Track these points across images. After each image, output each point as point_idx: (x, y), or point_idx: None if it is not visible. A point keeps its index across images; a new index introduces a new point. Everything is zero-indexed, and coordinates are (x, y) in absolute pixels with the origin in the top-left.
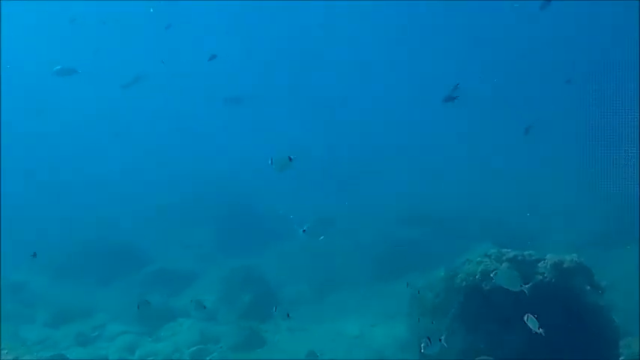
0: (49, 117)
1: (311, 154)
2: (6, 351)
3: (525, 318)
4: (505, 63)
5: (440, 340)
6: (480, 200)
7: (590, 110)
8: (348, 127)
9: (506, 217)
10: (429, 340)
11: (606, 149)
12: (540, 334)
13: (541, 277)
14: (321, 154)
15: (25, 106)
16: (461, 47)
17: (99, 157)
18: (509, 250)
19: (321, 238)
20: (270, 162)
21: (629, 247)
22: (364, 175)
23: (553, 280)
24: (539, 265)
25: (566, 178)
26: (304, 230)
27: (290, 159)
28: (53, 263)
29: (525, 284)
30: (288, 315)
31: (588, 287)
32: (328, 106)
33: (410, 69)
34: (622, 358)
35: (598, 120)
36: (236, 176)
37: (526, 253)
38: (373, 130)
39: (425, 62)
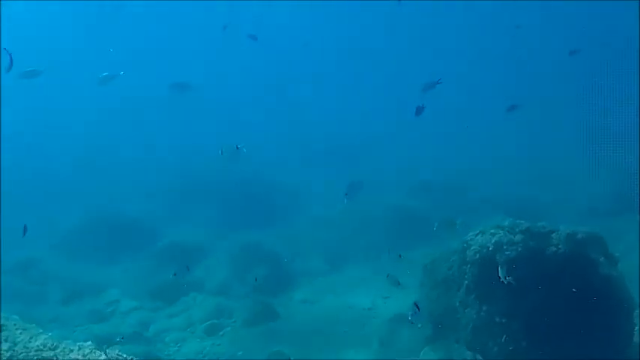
0: (59, 97)
1: (321, 131)
2: (20, 331)
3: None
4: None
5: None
6: (487, 172)
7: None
8: (356, 105)
9: (513, 188)
10: (417, 307)
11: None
12: (510, 282)
13: (555, 248)
14: (330, 131)
15: (38, 82)
16: (458, 39)
17: (106, 135)
18: (523, 221)
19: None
20: (220, 152)
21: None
22: (372, 150)
23: (567, 251)
24: (552, 236)
25: (570, 149)
26: (346, 194)
27: (237, 148)
28: (62, 240)
29: None
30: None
31: (602, 258)
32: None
33: (409, 52)
34: (637, 327)
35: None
36: (248, 150)
37: (539, 224)
38: (382, 107)
39: (424, 45)
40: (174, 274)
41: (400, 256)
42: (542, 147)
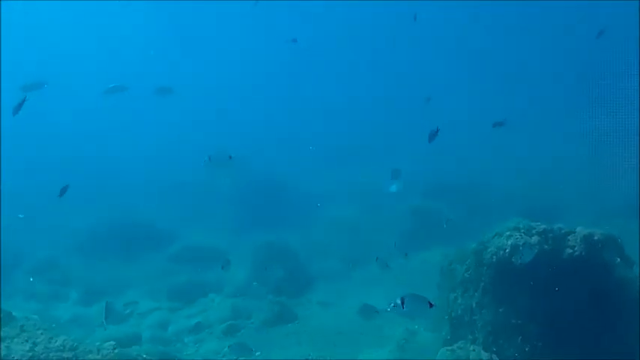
0: (71, 99)
1: (335, 131)
2: (40, 331)
3: None
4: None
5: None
6: (503, 173)
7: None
8: (371, 106)
9: (529, 188)
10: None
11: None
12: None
13: (571, 250)
14: (343, 131)
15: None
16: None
17: (122, 135)
18: (539, 223)
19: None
20: (207, 159)
21: None
22: (387, 150)
23: (583, 253)
24: (569, 238)
25: (586, 149)
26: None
27: (230, 157)
28: (81, 242)
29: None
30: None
31: (618, 260)
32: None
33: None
34: None
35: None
36: (261, 152)
37: (556, 226)
38: (395, 106)
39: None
40: (222, 267)
41: (406, 254)
42: (558, 147)
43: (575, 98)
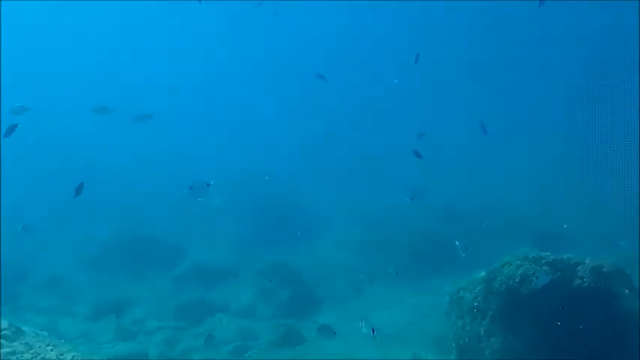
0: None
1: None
2: (50, 347)
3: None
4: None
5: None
6: (509, 200)
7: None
8: (382, 127)
9: (538, 214)
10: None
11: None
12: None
13: (580, 280)
14: (354, 154)
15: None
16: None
17: (131, 151)
18: (549, 253)
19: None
20: (190, 188)
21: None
22: (396, 173)
23: (592, 284)
24: (578, 268)
25: (588, 179)
26: (411, 198)
27: (208, 185)
28: (90, 258)
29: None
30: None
31: (627, 291)
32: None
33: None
34: None
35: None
36: (271, 172)
37: (565, 256)
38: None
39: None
40: (270, 281)
41: (397, 274)
42: (568, 172)
43: (577, 100)
